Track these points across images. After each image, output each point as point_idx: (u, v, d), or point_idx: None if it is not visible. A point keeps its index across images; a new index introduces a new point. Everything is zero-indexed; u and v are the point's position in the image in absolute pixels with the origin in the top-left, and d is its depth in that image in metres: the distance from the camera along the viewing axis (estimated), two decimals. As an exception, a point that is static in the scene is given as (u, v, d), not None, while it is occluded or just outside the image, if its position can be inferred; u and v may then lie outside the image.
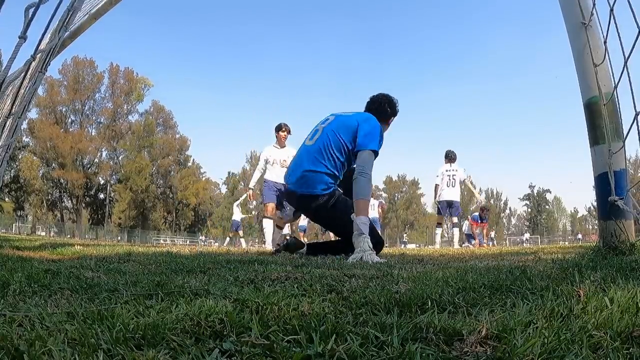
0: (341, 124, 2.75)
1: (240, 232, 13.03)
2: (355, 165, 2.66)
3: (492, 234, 13.40)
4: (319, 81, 78.04)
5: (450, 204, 7.64)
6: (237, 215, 13.00)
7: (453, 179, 7.64)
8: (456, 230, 7.96)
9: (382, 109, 2.89)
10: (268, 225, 5.78)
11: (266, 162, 5.95)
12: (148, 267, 1.63)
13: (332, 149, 2.70)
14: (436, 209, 8.13)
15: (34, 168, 35.86)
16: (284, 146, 5.93)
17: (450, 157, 7.75)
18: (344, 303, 0.87)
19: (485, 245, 10.25)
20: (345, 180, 2.83)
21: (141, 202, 40.55)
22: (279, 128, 5.86)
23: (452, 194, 7.66)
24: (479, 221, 11.18)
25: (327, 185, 2.71)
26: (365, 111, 2.91)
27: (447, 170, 7.70)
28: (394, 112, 2.95)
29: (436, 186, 7.85)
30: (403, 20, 73.39)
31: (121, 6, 3.55)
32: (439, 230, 8.23)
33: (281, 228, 4.51)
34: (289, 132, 5.93)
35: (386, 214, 53.72)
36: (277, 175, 5.66)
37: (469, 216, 11.99)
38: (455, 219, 7.76)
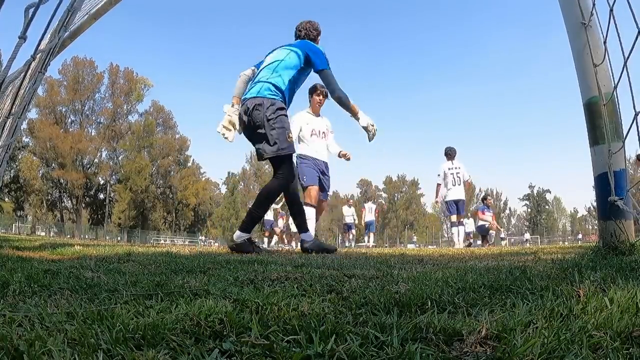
0: (288, 51, 3.19)
1: (277, 229, 12.28)
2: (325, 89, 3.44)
3: (502, 233, 12.65)
4: (318, 83, 77.84)
5: (457, 202, 7.61)
6: (269, 213, 12.40)
7: (457, 177, 7.59)
8: (461, 229, 7.92)
9: (311, 34, 3.40)
10: (311, 215, 4.27)
11: (301, 131, 4.56)
12: (148, 267, 1.63)
13: (281, 68, 3.12)
14: (444, 209, 8.05)
15: (33, 168, 35.85)
16: (319, 115, 4.68)
17: (450, 155, 7.70)
18: (344, 303, 0.87)
19: (488, 246, 10.07)
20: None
21: (141, 202, 40.55)
22: (313, 89, 4.59)
23: (458, 193, 7.62)
24: (485, 210, 10.66)
25: (272, 92, 3.06)
26: (299, 39, 3.38)
27: (449, 169, 7.64)
28: (319, 32, 3.45)
29: (438, 185, 7.80)
30: (403, 22, 73.51)
31: (121, 7, 3.56)
32: (455, 230, 7.98)
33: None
34: (325, 97, 4.53)
35: (386, 214, 53.77)
36: (316, 151, 4.52)
37: (477, 210, 11.21)
38: (456, 217, 7.75)
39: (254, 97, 3.06)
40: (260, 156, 3.10)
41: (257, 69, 3.30)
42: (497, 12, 69.92)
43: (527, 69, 73.20)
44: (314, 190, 4.35)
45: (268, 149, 3.00)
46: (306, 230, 3.26)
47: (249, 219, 3.12)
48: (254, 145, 3.14)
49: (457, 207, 7.63)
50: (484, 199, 11.24)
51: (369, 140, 3.29)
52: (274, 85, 3.07)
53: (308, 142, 4.53)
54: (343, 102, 3.18)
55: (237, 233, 3.08)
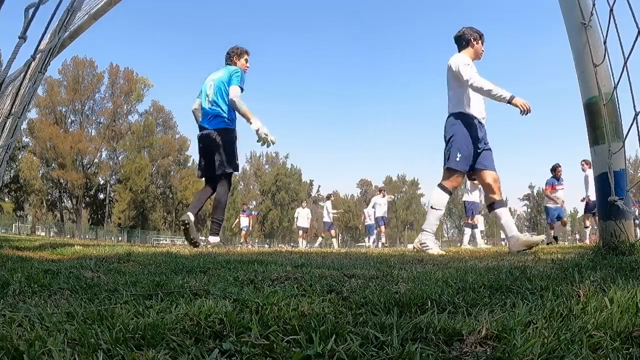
0: (221, 80, 3.96)
1: (333, 232, 13.19)
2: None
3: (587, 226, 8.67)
4: (319, 86, 78.53)
5: (466, 203, 7.96)
6: (327, 216, 13.07)
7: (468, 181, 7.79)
8: (468, 230, 8.08)
9: (234, 57, 4.15)
10: (443, 199, 3.24)
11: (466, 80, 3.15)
12: (148, 267, 1.63)
13: (224, 99, 3.92)
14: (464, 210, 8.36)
15: (33, 168, 35.83)
16: None
17: None
18: (344, 303, 0.87)
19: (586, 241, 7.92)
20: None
21: (141, 202, 40.53)
22: (479, 36, 3.38)
23: (470, 196, 7.90)
24: (556, 183, 7.96)
25: (226, 123, 3.95)
26: (229, 64, 4.12)
27: None
28: (239, 53, 4.16)
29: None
30: (405, 25, 73.61)
31: (121, 7, 3.56)
32: (468, 230, 8.11)
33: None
34: None
35: (386, 214, 53.73)
36: (479, 111, 3.31)
37: (547, 186, 8.15)
38: (469, 219, 7.96)
39: (216, 129, 3.93)
40: (206, 169, 3.96)
41: (203, 97, 4.09)
42: (498, 14, 70.07)
43: (528, 70, 73.31)
44: (459, 179, 3.27)
45: (230, 166, 3.93)
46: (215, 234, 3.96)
47: (217, 225, 3.89)
48: (205, 156, 3.97)
49: (465, 209, 7.99)
50: (554, 169, 8.05)
51: (261, 145, 3.73)
52: (228, 118, 3.95)
53: (472, 98, 3.26)
54: (235, 106, 3.82)
55: (214, 238, 3.83)
